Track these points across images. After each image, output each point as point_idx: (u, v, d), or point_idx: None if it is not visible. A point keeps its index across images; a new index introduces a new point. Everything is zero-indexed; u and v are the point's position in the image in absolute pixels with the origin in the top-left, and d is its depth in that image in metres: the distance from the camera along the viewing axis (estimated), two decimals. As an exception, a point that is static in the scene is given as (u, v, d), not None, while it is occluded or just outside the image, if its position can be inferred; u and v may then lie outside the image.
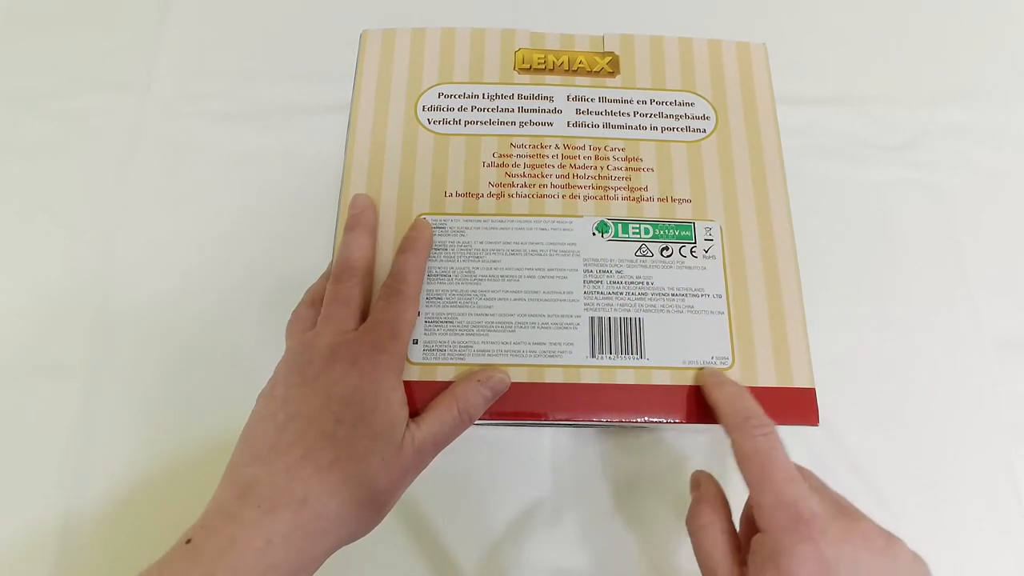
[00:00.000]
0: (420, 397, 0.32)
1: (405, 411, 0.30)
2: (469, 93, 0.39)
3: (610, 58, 0.40)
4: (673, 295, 0.35)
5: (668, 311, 0.35)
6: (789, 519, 0.24)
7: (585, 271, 0.35)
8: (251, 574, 0.25)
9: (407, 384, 0.32)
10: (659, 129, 0.39)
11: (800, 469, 0.27)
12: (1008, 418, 0.39)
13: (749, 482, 0.26)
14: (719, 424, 0.31)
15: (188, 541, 0.25)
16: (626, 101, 0.39)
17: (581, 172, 0.37)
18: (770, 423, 0.28)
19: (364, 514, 0.28)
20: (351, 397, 0.28)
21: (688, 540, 0.30)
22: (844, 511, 0.26)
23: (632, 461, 0.38)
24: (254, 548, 0.25)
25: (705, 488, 0.29)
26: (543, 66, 0.40)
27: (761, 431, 0.27)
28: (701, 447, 0.38)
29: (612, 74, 0.40)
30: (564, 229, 0.36)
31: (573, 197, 0.37)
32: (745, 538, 0.28)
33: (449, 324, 0.34)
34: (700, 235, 0.36)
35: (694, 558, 0.29)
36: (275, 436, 0.28)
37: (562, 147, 0.38)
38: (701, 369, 0.33)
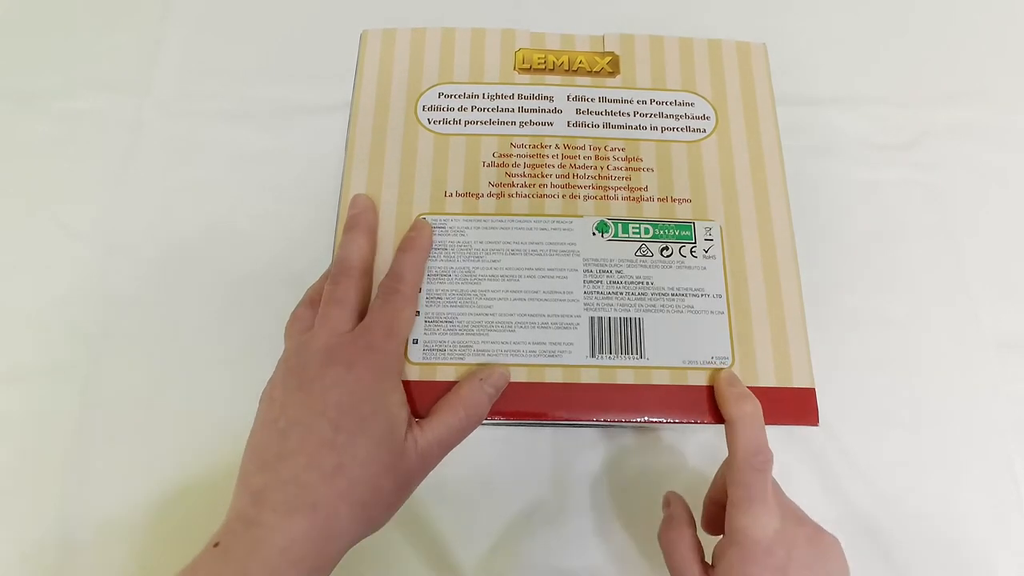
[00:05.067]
0: (420, 397, 0.32)
1: (405, 411, 0.30)
2: (469, 93, 0.39)
3: (610, 58, 0.40)
4: (673, 295, 0.35)
5: (668, 311, 0.35)
6: (757, 537, 0.28)
7: (585, 271, 0.35)
8: (283, 568, 0.25)
9: (407, 384, 0.32)
10: (659, 129, 0.39)
11: (784, 505, 0.30)
12: (1008, 418, 0.39)
13: (733, 500, 0.29)
14: (718, 423, 0.32)
15: (216, 544, 0.26)
16: (626, 101, 0.39)
17: (581, 172, 0.37)
18: (771, 454, 0.30)
19: (372, 515, 0.28)
20: (348, 403, 0.28)
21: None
22: (794, 518, 0.29)
23: (632, 461, 0.38)
24: (279, 547, 0.26)
25: (675, 507, 0.32)
26: (543, 66, 0.40)
27: (764, 465, 0.29)
28: (700, 446, 0.38)
29: (612, 74, 0.40)
30: (564, 229, 0.36)
31: (573, 197, 0.37)
32: (709, 519, 0.33)
33: (449, 324, 0.34)
34: (700, 235, 0.36)
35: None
36: (279, 444, 0.28)
37: (562, 147, 0.38)
38: (718, 371, 0.33)
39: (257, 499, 0.27)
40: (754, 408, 0.31)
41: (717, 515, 0.31)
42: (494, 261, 0.35)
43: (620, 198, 0.37)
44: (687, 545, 0.30)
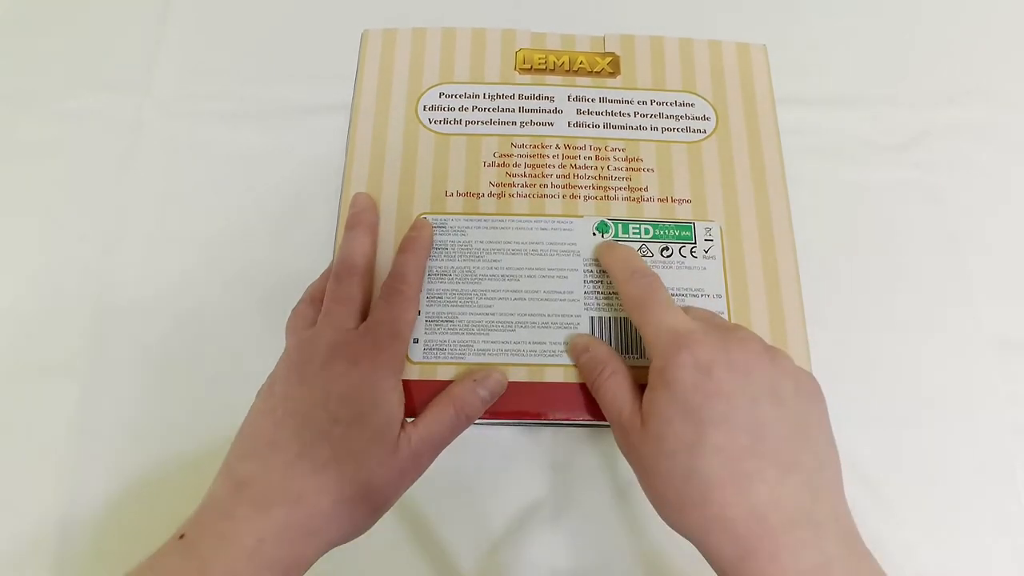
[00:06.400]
0: (420, 397, 0.32)
1: (402, 411, 0.30)
2: (470, 93, 0.39)
3: (611, 58, 0.40)
4: (673, 295, 0.35)
5: (668, 311, 0.34)
6: (669, 339, 0.27)
7: (585, 271, 0.35)
8: (245, 571, 0.25)
9: (407, 384, 0.32)
10: (659, 129, 0.39)
11: (690, 309, 0.30)
12: (1008, 418, 0.39)
13: (636, 323, 0.29)
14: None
15: (181, 536, 0.26)
16: (626, 101, 0.39)
17: (581, 172, 0.38)
18: (653, 274, 0.31)
19: (358, 513, 0.28)
20: (349, 396, 0.28)
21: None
22: (724, 326, 0.28)
23: (632, 461, 0.38)
24: (246, 547, 0.25)
25: (596, 348, 0.32)
26: (544, 66, 0.40)
27: (644, 279, 0.30)
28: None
29: (613, 74, 0.40)
30: (564, 229, 0.36)
31: (573, 197, 0.37)
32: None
33: (449, 323, 0.34)
34: (700, 235, 0.36)
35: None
36: (272, 433, 0.28)
37: (563, 147, 0.38)
38: (598, 246, 0.35)
39: (238, 488, 0.26)
40: (625, 250, 0.33)
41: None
42: (494, 261, 0.35)
43: (620, 198, 0.37)
44: (623, 376, 0.30)
